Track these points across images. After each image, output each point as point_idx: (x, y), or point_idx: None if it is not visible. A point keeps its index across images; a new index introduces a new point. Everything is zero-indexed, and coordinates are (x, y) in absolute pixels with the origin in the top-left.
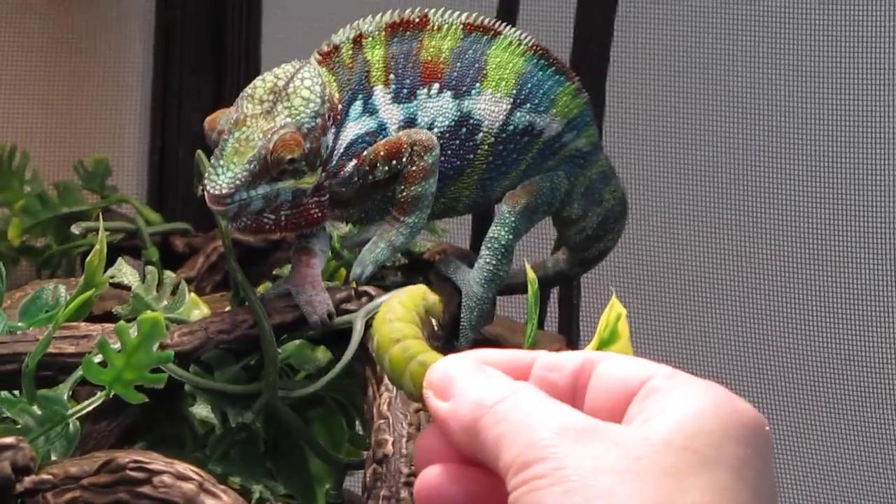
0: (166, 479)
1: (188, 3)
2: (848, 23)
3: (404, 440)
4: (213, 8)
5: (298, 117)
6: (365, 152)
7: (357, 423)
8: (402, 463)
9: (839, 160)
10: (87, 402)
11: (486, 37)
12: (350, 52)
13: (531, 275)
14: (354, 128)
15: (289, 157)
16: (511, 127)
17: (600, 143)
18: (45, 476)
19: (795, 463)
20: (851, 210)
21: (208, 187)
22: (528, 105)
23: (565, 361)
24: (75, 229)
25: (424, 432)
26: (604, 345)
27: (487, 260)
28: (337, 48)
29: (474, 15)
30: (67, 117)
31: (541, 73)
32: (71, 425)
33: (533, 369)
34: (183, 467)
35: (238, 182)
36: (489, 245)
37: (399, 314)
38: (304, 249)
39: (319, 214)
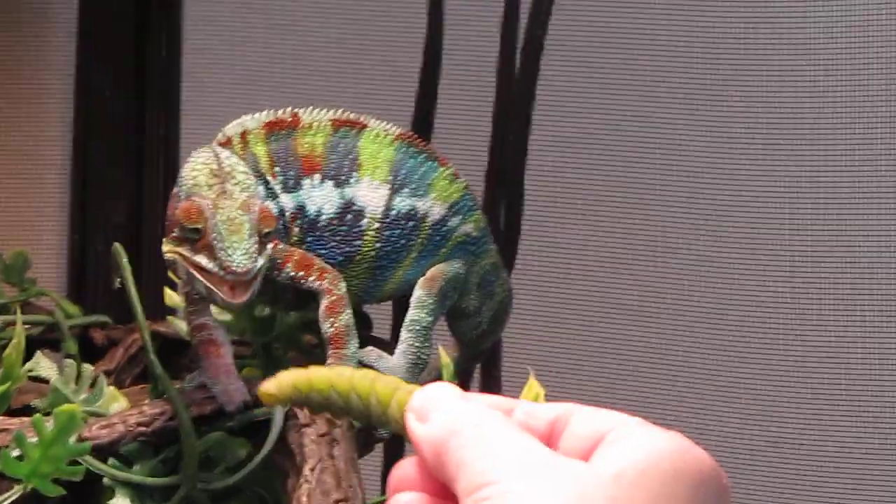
0: None
1: (107, 96)
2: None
3: None
4: (134, 101)
5: (251, 189)
6: (280, 246)
7: None
8: None
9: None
10: (3, 497)
11: (353, 130)
12: (240, 144)
13: (445, 358)
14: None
15: (266, 230)
16: (394, 212)
17: (489, 230)
18: None
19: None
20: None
21: (233, 267)
22: (407, 190)
23: (544, 411)
24: None
25: (403, 461)
26: None
27: (411, 343)
28: (230, 140)
29: (340, 111)
30: None
31: (412, 160)
32: None
33: (514, 413)
34: None
35: (254, 254)
36: (411, 328)
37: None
38: (208, 341)
39: None
